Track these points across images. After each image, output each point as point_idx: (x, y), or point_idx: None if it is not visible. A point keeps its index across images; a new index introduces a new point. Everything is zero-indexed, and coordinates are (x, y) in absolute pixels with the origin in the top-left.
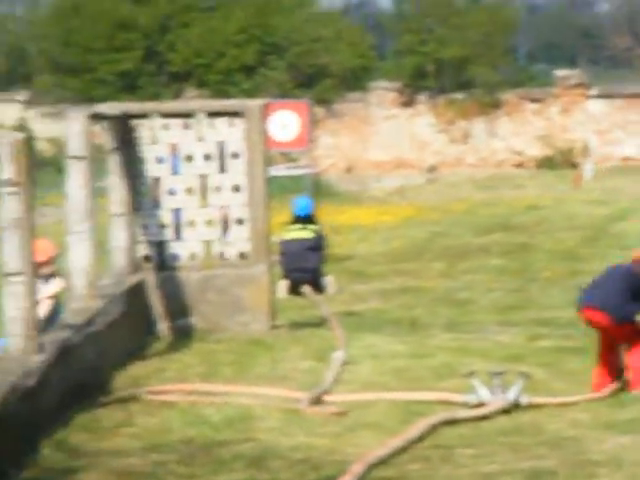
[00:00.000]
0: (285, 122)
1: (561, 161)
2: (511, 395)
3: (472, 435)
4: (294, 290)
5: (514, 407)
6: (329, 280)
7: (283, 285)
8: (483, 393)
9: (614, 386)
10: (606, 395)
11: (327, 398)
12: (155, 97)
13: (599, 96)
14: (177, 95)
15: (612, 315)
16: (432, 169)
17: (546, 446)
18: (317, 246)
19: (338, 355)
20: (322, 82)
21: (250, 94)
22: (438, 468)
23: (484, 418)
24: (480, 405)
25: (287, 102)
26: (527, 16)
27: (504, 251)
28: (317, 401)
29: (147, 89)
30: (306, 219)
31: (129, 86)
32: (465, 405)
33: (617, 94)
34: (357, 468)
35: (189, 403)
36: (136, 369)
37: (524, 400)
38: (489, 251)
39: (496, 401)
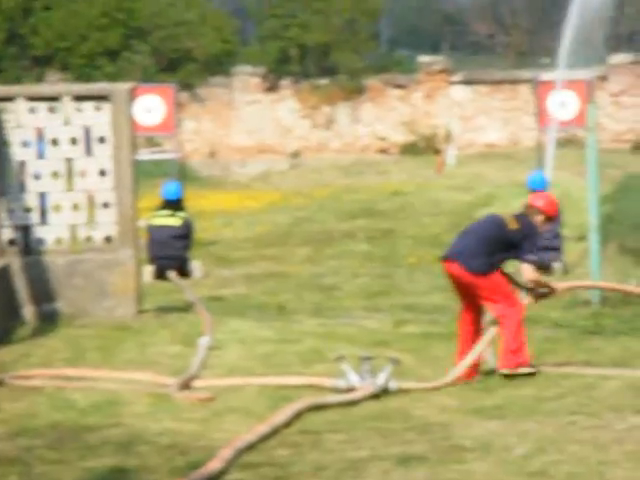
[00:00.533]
0: (150, 106)
1: (425, 147)
2: (380, 380)
3: (340, 420)
4: (160, 276)
5: (383, 392)
6: (195, 265)
7: (148, 270)
8: (353, 378)
9: (465, 363)
10: (469, 377)
11: (196, 383)
12: (17, 81)
13: (462, 82)
14: (39, 79)
15: (465, 265)
16: (296, 154)
17: (415, 431)
18: (184, 234)
19: (204, 340)
20: (186, 66)
21: (114, 78)
22: (307, 453)
23: (352, 403)
24: (350, 390)
25: (152, 86)
26: (390, 2)
27: (369, 237)
28: (185, 386)
29: (9, 72)
30: (175, 204)
31: None
32: (335, 390)
33: (480, 80)
34: (225, 453)
35: (56, 388)
36: (0, 354)
37: (393, 385)
38: (354, 237)
39: (365, 386)
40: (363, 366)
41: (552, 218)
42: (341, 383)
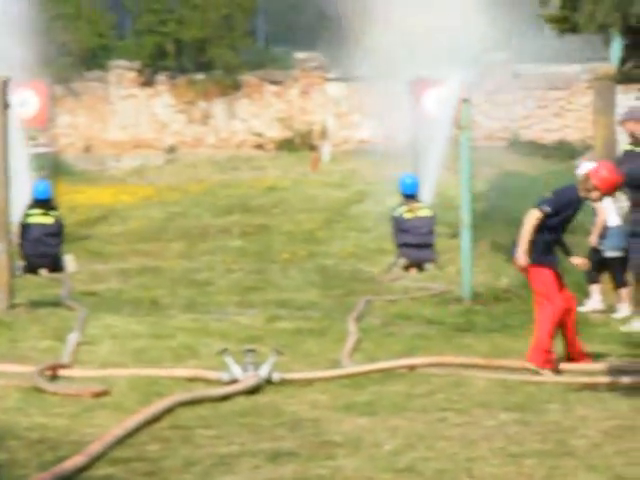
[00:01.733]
0: (24, 100)
1: (300, 143)
2: (263, 371)
3: (211, 416)
4: (33, 273)
5: (266, 384)
6: (68, 259)
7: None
8: (236, 370)
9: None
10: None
11: (70, 373)
12: None
13: (337, 79)
14: None
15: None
16: (171, 149)
17: (285, 427)
18: (57, 232)
19: (73, 336)
20: (61, 60)
21: None
22: (177, 449)
23: (224, 398)
24: (233, 382)
25: (26, 80)
26: None
27: (243, 232)
28: (49, 372)
29: None
30: (46, 203)
31: None
32: (219, 382)
33: (355, 77)
34: (94, 448)
35: None
36: None
37: (276, 376)
38: (229, 232)
39: (248, 378)
40: (246, 358)
41: (607, 194)
42: (225, 375)
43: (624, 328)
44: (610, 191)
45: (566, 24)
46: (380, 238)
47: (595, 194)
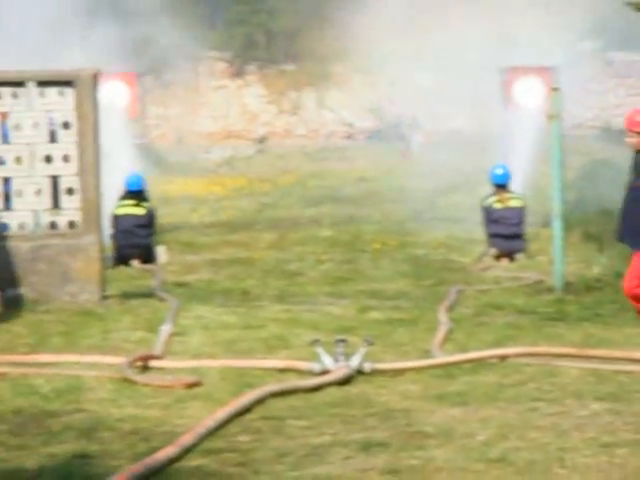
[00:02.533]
0: (115, 91)
1: (390, 134)
2: (354, 362)
3: (302, 406)
4: (125, 264)
5: (357, 374)
6: (160, 250)
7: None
8: (327, 360)
9: None
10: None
11: (161, 364)
12: None
13: (428, 68)
14: None
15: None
16: (262, 140)
17: (376, 418)
18: (148, 223)
19: (165, 327)
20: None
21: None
22: (268, 440)
23: (315, 389)
24: (324, 372)
25: (117, 72)
26: None
27: (334, 223)
28: (141, 365)
29: None
30: (138, 194)
31: None
32: (310, 372)
33: (445, 67)
34: (186, 439)
35: (19, 374)
36: None
37: (367, 367)
38: (319, 223)
39: (340, 368)
40: (337, 348)
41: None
42: (316, 366)
43: None
44: None
45: None
46: (471, 228)
47: None
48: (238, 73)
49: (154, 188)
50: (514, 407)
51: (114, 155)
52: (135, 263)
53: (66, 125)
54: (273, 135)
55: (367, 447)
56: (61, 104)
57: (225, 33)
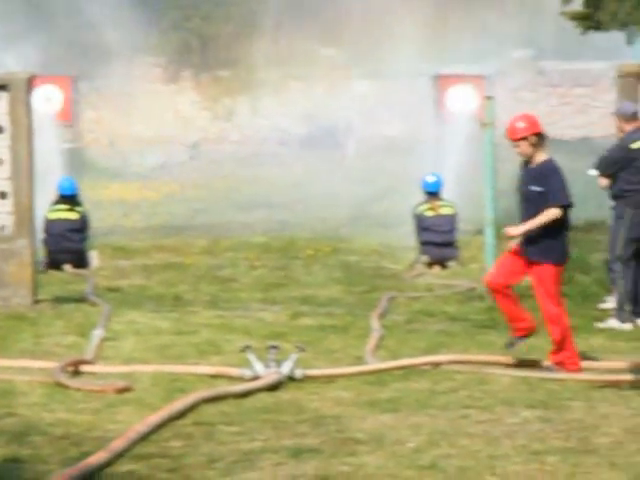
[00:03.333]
0: (49, 96)
1: (325, 140)
2: (286, 368)
3: (234, 412)
4: (57, 268)
5: (288, 380)
6: (92, 255)
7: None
8: (258, 366)
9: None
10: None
11: (92, 369)
12: None
13: (363, 76)
14: None
15: None
16: (195, 146)
17: (308, 424)
18: (81, 227)
19: (97, 332)
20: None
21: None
22: (200, 445)
23: (246, 394)
24: (256, 378)
25: (51, 76)
26: None
27: (267, 229)
28: (72, 368)
29: None
30: (71, 199)
31: None
32: (241, 378)
33: (381, 74)
34: (117, 444)
35: None
36: None
37: (299, 373)
38: (252, 229)
39: (271, 374)
40: (269, 355)
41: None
42: (247, 372)
43: (602, 325)
44: None
45: (589, 21)
46: (404, 235)
47: None
48: (172, 78)
49: (87, 192)
50: (445, 414)
51: (46, 159)
52: (67, 267)
53: None
54: (207, 141)
55: (298, 453)
56: None
57: (160, 38)
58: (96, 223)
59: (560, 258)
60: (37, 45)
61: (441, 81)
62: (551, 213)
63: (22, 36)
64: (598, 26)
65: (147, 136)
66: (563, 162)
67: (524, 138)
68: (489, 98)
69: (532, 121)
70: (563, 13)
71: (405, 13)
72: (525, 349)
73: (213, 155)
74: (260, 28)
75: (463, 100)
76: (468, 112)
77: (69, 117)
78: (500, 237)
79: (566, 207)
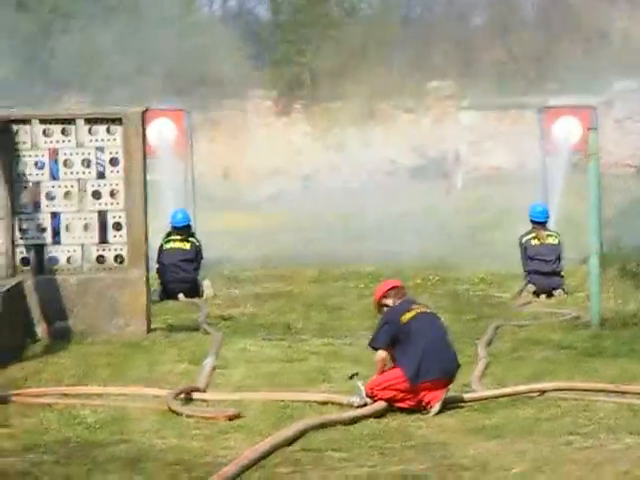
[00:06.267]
0: (163, 129)
1: (434, 170)
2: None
3: (342, 439)
4: (171, 297)
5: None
6: (206, 284)
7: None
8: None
9: None
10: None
11: (204, 396)
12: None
13: (470, 107)
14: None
15: None
16: (307, 177)
17: (414, 450)
18: (194, 257)
19: (209, 360)
20: (200, 90)
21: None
22: (308, 471)
23: (354, 422)
24: (364, 405)
25: (165, 109)
26: (401, 28)
27: (376, 259)
28: (184, 397)
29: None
30: (184, 230)
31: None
32: (350, 406)
33: (488, 106)
34: (228, 470)
35: (65, 405)
36: (13, 371)
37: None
38: (361, 258)
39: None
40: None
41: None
42: (356, 399)
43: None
44: None
45: None
46: (511, 264)
47: None
48: (284, 111)
49: (201, 223)
50: (549, 441)
51: (163, 190)
52: (181, 297)
53: (113, 161)
54: (318, 172)
55: (404, 479)
56: (109, 141)
57: (271, 72)
58: (210, 253)
59: None
60: (151, 78)
61: (547, 113)
62: None
63: (138, 70)
64: None
65: (260, 167)
66: None
67: None
68: (593, 129)
69: None
70: None
71: (513, 43)
72: (629, 376)
73: (324, 186)
74: (369, 60)
75: (568, 132)
76: (572, 143)
77: (183, 149)
78: (604, 266)
79: None
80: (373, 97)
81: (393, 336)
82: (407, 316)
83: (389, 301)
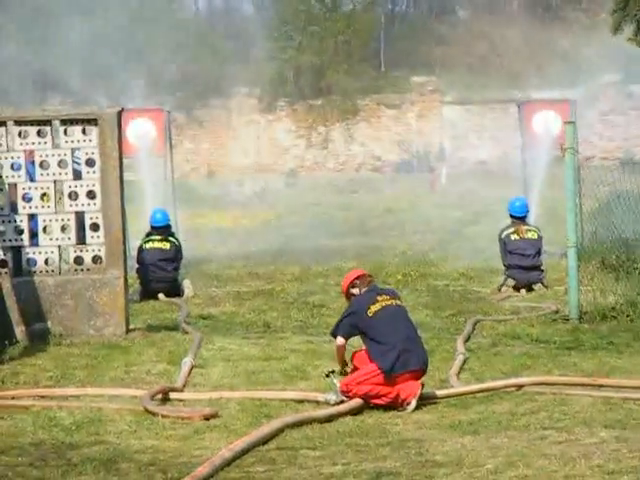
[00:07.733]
0: (141, 129)
1: (418, 165)
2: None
3: (317, 437)
4: (151, 297)
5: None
6: (186, 283)
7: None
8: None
9: None
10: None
11: (181, 396)
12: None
13: (454, 102)
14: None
15: None
16: (291, 174)
17: (389, 447)
18: (174, 257)
19: (187, 360)
20: (183, 88)
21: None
22: (282, 470)
23: (330, 419)
24: (340, 403)
25: (143, 109)
26: (386, 23)
27: (358, 254)
28: (159, 396)
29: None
30: (163, 229)
31: None
32: (326, 403)
33: (471, 100)
34: (202, 470)
35: (42, 407)
36: None
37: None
38: (344, 254)
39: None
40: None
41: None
42: (332, 397)
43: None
44: None
45: None
46: (492, 258)
47: None
48: (267, 108)
49: (185, 221)
50: (524, 435)
51: (144, 190)
52: (161, 296)
53: (90, 162)
54: (302, 168)
55: (378, 477)
56: (85, 142)
57: (255, 69)
58: (192, 251)
59: None
60: (134, 78)
61: (526, 107)
62: None
63: (120, 70)
64: None
65: (244, 165)
66: None
67: None
68: (570, 123)
69: None
70: (632, 40)
71: (495, 39)
72: (607, 369)
73: (308, 182)
74: (352, 57)
75: (547, 126)
76: (551, 137)
77: (161, 149)
78: (584, 259)
79: None
80: (356, 93)
81: (355, 327)
82: (373, 309)
83: (356, 290)
